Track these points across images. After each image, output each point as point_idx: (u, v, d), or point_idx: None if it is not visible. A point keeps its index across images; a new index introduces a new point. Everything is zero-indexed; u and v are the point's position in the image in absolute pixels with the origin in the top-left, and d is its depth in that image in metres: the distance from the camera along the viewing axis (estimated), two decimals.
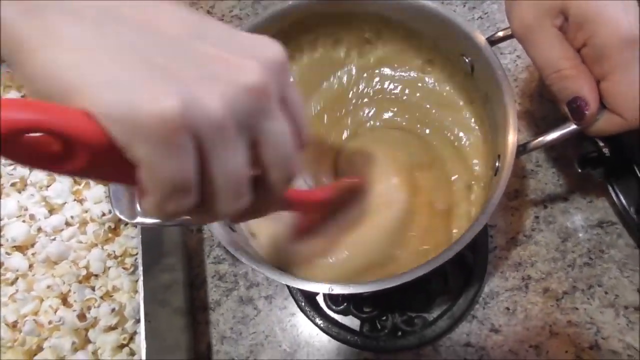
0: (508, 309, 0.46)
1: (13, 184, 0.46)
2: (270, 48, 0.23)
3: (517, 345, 0.45)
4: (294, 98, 0.24)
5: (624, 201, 0.43)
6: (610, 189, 0.44)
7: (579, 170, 0.44)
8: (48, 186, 0.46)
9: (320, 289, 0.33)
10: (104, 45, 0.20)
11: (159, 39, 0.21)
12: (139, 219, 0.36)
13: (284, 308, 0.49)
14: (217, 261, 0.51)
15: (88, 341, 0.42)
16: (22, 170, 0.46)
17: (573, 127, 0.33)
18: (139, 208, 0.36)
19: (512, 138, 0.33)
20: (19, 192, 0.46)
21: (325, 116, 0.45)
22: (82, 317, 0.41)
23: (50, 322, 0.40)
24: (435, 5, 0.37)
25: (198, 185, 0.21)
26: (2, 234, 0.44)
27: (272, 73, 0.22)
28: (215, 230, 0.36)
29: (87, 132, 0.19)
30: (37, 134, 0.18)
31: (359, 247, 0.38)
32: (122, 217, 0.36)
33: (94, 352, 0.41)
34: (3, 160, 0.47)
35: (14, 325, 0.41)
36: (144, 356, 0.38)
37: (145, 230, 0.41)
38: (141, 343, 0.38)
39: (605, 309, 0.45)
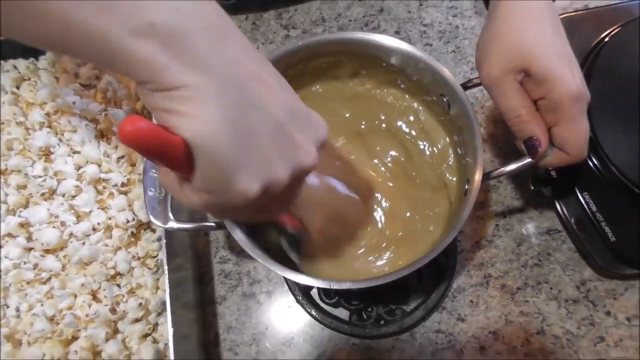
0: (472, 301, 0.55)
1: (42, 194, 0.51)
2: (323, 130, 0.32)
3: (479, 332, 0.54)
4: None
5: (566, 214, 0.52)
6: (556, 203, 0.53)
7: (532, 188, 0.53)
8: (75, 196, 0.51)
9: (323, 284, 0.40)
10: (235, 131, 0.27)
11: (270, 125, 0.28)
12: (170, 224, 0.43)
13: (282, 302, 0.56)
14: (223, 261, 0.58)
15: (117, 331, 0.48)
16: (50, 182, 0.51)
17: (528, 160, 0.42)
18: (171, 215, 0.43)
19: (479, 174, 0.42)
20: (47, 202, 0.52)
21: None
22: (113, 310, 0.47)
23: (87, 315, 0.46)
24: (426, 56, 0.45)
25: None
26: (34, 238, 0.50)
27: (319, 150, 0.31)
28: (236, 235, 0.42)
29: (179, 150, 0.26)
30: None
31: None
32: (157, 222, 0.42)
33: (123, 341, 0.48)
34: (34, 173, 0.52)
35: (51, 319, 0.47)
36: (171, 343, 0.44)
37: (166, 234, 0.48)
38: (169, 331, 0.44)
39: (550, 301, 0.54)
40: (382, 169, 0.53)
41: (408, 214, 0.50)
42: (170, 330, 0.44)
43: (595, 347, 0.52)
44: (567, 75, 0.39)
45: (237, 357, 0.54)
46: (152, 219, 0.43)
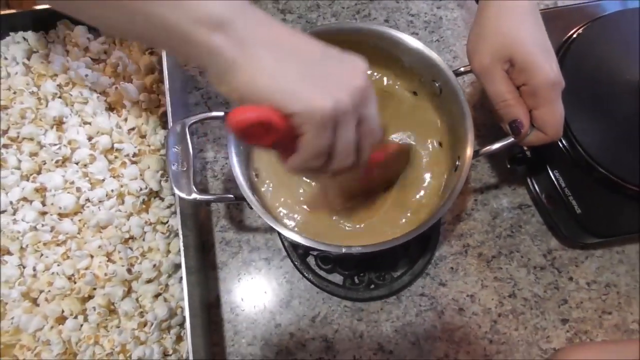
0: (452, 268, 0.61)
1: (56, 162, 0.54)
2: (361, 63, 0.37)
3: (458, 295, 0.60)
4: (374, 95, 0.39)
5: (537, 190, 0.59)
6: (529, 180, 0.60)
7: (508, 166, 0.59)
8: (89, 164, 0.54)
9: (336, 249, 0.45)
10: (284, 71, 0.34)
11: (311, 63, 0.35)
12: (194, 196, 0.46)
13: (280, 268, 0.60)
14: (224, 230, 0.61)
15: (131, 290, 0.52)
16: (64, 150, 0.54)
17: (511, 140, 0.48)
18: (194, 188, 0.47)
19: (470, 150, 0.47)
20: (61, 169, 0.54)
21: None
22: (129, 271, 0.50)
23: (105, 274, 0.49)
24: (422, 46, 0.50)
25: (328, 151, 0.36)
26: (50, 202, 0.52)
27: (367, 78, 0.36)
28: (253, 204, 0.47)
29: (280, 122, 0.33)
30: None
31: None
32: (181, 194, 0.46)
33: (137, 299, 0.51)
34: (49, 141, 0.54)
35: (69, 278, 0.50)
36: (186, 301, 0.48)
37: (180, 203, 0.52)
38: (184, 291, 0.48)
39: (521, 268, 0.61)
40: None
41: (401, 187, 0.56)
42: (185, 288, 0.48)
43: (560, 308, 0.59)
44: (545, 65, 0.44)
45: (237, 317, 0.58)
46: (177, 191, 0.46)
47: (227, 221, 0.62)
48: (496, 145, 0.49)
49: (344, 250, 0.45)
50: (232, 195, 0.48)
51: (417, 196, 0.54)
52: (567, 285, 0.60)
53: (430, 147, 0.56)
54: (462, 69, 0.51)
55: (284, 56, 0.34)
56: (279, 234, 0.60)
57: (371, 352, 0.58)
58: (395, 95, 0.57)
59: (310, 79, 0.34)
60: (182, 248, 0.50)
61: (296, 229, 0.53)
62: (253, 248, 0.61)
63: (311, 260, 0.60)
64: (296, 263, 0.59)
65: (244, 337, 0.58)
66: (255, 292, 0.59)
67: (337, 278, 0.60)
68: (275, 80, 0.34)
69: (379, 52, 0.54)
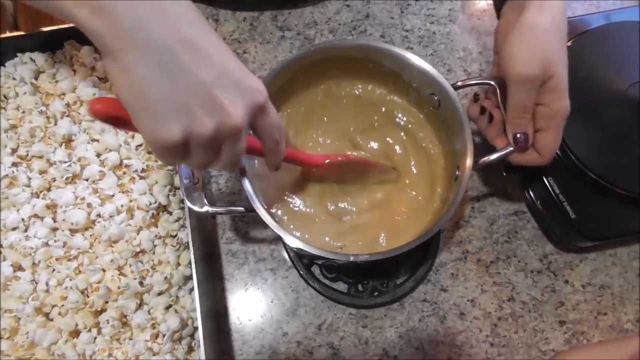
0: (453, 274, 0.63)
1: (67, 179, 0.55)
2: (256, 94, 0.37)
3: (459, 300, 0.62)
4: (267, 126, 0.40)
5: (533, 196, 0.61)
6: (524, 188, 0.62)
7: (504, 174, 0.62)
8: (99, 180, 0.56)
9: (343, 258, 0.47)
10: (151, 88, 0.33)
11: (192, 84, 0.34)
12: (205, 209, 0.48)
13: (285, 277, 0.62)
14: (230, 242, 0.63)
15: (142, 303, 0.53)
16: (74, 167, 0.55)
17: (510, 150, 0.50)
18: (205, 201, 0.48)
19: (469, 160, 0.49)
20: (71, 185, 0.55)
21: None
22: (141, 283, 0.52)
23: (118, 288, 0.51)
24: (421, 61, 0.53)
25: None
26: (61, 219, 0.54)
27: (251, 112, 0.37)
28: (263, 216, 0.48)
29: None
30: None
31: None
32: (193, 207, 0.48)
33: (149, 311, 0.52)
34: (58, 159, 0.56)
35: (82, 292, 0.51)
36: (198, 312, 0.50)
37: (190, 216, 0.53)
38: (196, 302, 0.50)
39: (518, 272, 0.63)
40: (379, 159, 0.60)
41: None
42: (197, 299, 0.50)
43: (557, 310, 0.61)
44: (567, 93, 0.47)
45: (245, 327, 0.60)
46: (189, 204, 0.48)
47: (232, 233, 0.63)
48: (494, 156, 0.51)
49: (351, 258, 0.47)
50: (242, 208, 0.50)
51: (409, 207, 0.56)
52: (563, 288, 0.62)
53: (425, 157, 0.58)
54: (459, 83, 0.53)
55: (165, 70, 0.33)
56: (284, 244, 0.62)
57: (376, 357, 0.59)
58: (394, 109, 0.60)
59: (175, 103, 0.33)
60: (193, 260, 0.51)
61: (297, 233, 0.54)
62: (259, 259, 0.62)
63: (316, 270, 0.62)
64: (301, 272, 0.60)
65: (252, 346, 0.59)
66: (262, 302, 0.61)
67: (341, 286, 0.61)
68: (135, 94, 0.33)
69: (380, 68, 0.56)
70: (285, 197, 0.55)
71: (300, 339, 0.60)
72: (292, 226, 0.54)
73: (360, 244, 0.54)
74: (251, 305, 0.61)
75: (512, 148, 0.50)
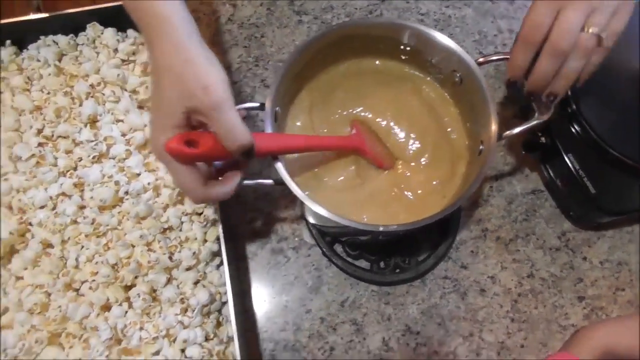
0: (472, 252, 0.63)
1: (93, 158, 0.56)
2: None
3: (479, 277, 0.62)
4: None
5: (552, 175, 0.62)
6: (543, 166, 0.63)
7: (523, 153, 0.63)
8: (125, 159, 0.56)
9: (373, 228, 0.48)
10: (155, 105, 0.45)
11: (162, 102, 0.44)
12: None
13: (308, 256, 0.63)
14: (252, 221, 0.64)
15: (171, 278, 0.53)
16: (101, 146, 0.56)
17: (534, 122, 0.51)
18: None
19: (494, 133, 0.50)
20: (97, 164, 0.56)
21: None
22: (170, 258, 0.52)
23: (148, 262, 0.51)
24: (441, 36, 0.54)
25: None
26: (89, 196, 0.54)
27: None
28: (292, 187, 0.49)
29: None
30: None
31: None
32: None
33: (178, 286, 0.53)
34: (84, 138, 0.56)
35: (113, 266, 0.52)
36: (229, 287, 0.50)
37: None
38: (226, 274, 0.50)
39: (537, 250, 0.64)
40: (402, 134, 0.60)
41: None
42: (227, 272, 0.50)
43: (575, 286, 0.62)
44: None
45: (268, 304, 0.60)
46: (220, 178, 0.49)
47: (254, 213, 0.64)
48: (518, 129, 0.52)
49: (381, 228, 0.48)
50: (271, 180, 0.50)
51: (427, 186, 0.57)
52: (582, 264, 0.63)
53: (446, 136, 0.59)
54: (481, 59, 0.54)
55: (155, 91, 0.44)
56: (307, 223, 0.62)
57: (399, 333, 0.60)
58: (414, 88, 0.60)
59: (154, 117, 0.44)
60: (222, 235, 0.52)
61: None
62: (281, 238, 0.63)
63: (338, 248, 0.62)
64: (324, 250, 0.61)
65: (276, 322, 0.60)
66: (285, 280, 0.62)
67: (363, 264, 0.62)
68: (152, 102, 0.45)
69: (401, 46, 0.57)
70: (308, 173, 0.56)
71: (324, 315, 0.60)
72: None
73: (380, 222, 0.55)
74: (274, 283, 0.61)
75: (536, 120, 0.51)
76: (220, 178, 0.48)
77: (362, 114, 0.59)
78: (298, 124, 0.58)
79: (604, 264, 0.63)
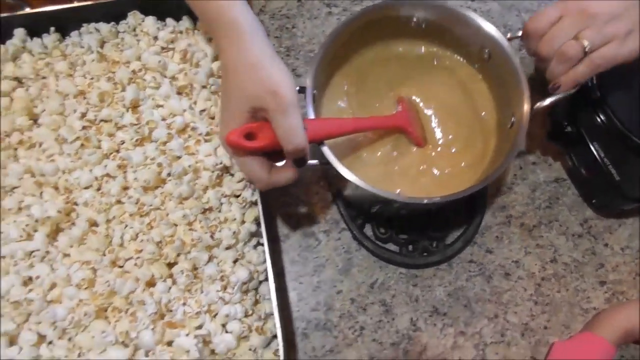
0: (497, 237, 0.66)
1: (136, 140, 0.58)
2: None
3: (504, 261, 0.65)
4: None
5: (577, 163, 0.64)
6: (567, 155, 0.65)
7: (547, 141, 0.64)
8: (167, 142, 0.58)
9: (417, 201, 0.51)
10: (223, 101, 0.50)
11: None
12: (280, 163, 0.51)
13: (338, 239, 0.65)
14: (285, 205, 0.66)
15: (212, 256, 0.56)
16: (144, 130, 0.58)
17: (562, 94, 0.54)
18: None
19: (527, 105, 0.53)
20: (140, 147, 0.58)
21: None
22: (212, 237, 0.55)
23: (192, 240, 0.54)
24: (468, 11, 0.57)
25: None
26: (134, 178, 0.56)
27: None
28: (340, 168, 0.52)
29: None
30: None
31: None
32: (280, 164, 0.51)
33: (218, 264, 0.55)
34: (127, 121, 0.59)
35: (157, 244, 0.54)
36: (269, 265, 0.52)
37: None
38: (266, 252, 0.53)
39: (560, 236, 0.66)
40: (434, 114, 0.63)
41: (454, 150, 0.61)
42: (267, 249, 0.53)
43: (597, 271, 0.64)
44: None
45: (301, 285, 0.63)
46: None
47: (287, 197, 0.66)
48: (549, 100, 0.54)
49: (425, 201, 0.50)
50: (316, 161, 0.52)
51: (462, 161, 0.60)
52: (603, 250, 0.65)
53: (477, 114, 0.61)
54: (509, 35, 0.56)
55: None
56: (338, 207, 0.64)
57: (427, 314, 0.62)
58: (444, 66, 0.63)
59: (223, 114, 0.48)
60: (262, 216, 0.54)
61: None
62: (313, 221, 0.65)
63: (368, 231, 0.64)
64: (355, 233, 0.63)
65: (308, 303, 0.62)
66: (316, 262, 0.64)
67: (392, 247, 0.64)
68: (221, 99, 0.50)
69: (429, 24, 0.60)
70: (348, 152, 0.59)
71: (354, 296, 0.62)
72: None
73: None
74: (306, 265, 0.63)
75: (563, 93, 0.54)
76: (279, 164, 0.51)
77: (390, 100, 0.62)
78: (339, 105, 0.61)
79: (624, 250, 0.65)
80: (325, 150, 0.52)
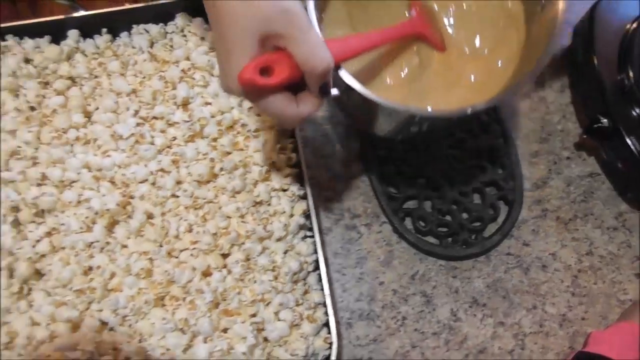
0: (534, 230, 0.67)
1: (188, 137, 0.60)
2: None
3: (540, 254, 0.66)
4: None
5: (612, 157, 0.65)
6: (602, 149, 0.67)
7: (584, 136, 0.66)
8: (217, 138, 0.61)
9: (461, 112, 0.49)
10: (222, 41, 0.42)
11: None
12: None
13: (379, 232, 0.67)
14: (327, 200, 0.68)
15: (264, 248, 0.58)
16: (196, 126, 0.60)
17: None
18: None
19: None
20: (192, 143, 0.61)
21: None
22: (265, 228, 0.57)
23: (246, 232, 0.56)
24: None
25: None
26: (188, 172, 0.59)
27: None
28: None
29: None
30: None
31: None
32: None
33: (270, 255, 0.58)
34: (179, 119, 0.61)
35: (213, 235, 0.56)
36: (321, 256, 0.55)
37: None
38: (317, 242, 0.55)
39: (595, 229, 0.67)
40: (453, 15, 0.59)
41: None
42: (318, 240, 0.55)
43: (633, 264, 0.66)
44: None
45: (344, 277, 0.65)
46: None
47: (329, 192, 0.68)
48: None
49: (469, 111, 0.48)
50: (336, 90, 0.48)
51: (495, 60, 0.56)
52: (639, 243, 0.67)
53: (499, 6, 0.57)
54: None
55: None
56: (378, 200, 0.66)
57: (467, 304, 0.64)
58: None
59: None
60: (312, 208, 0.56)
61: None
62: (354, 215, 0.67)
63: (408, 224, 0.66)
64: (396, 225, 0.65)
65: (351, 293, 0.64)
66: (358, 254, 0.66)
67: (432, 240, 0.66)
68: (218, 41, 0.43)
69: None
70: (370, 79, 0.56)
71: (396, 287, 0.65)
72: None
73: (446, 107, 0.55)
74: (348, 257, 0.66)
75: None
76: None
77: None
78: (341, 29, 0.57)
79: None
80: (344, 74, 0.47)
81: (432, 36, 0.57)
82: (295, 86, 0.44)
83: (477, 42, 0.58)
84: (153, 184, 0.59)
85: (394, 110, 0.49)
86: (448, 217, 0.66)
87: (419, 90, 0.56)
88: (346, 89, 0.48)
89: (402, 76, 0.57)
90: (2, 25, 0.62)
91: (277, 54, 0.42)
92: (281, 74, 0.41)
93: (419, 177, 0.67)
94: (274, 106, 0.43)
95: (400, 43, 0.57)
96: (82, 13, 0.65)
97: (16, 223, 0.58)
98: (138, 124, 0.61)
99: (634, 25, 0.65)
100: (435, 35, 0.57)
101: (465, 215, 0.66)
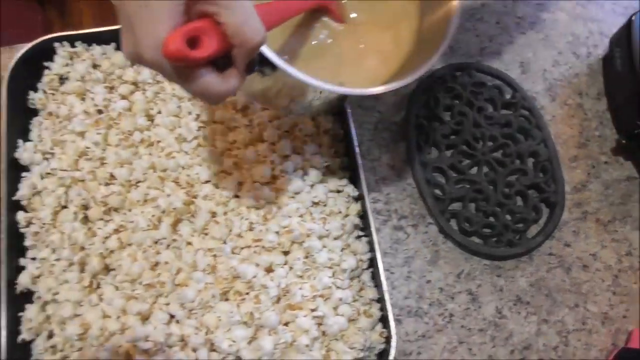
0: (574, 231, 0.70)
1: (249, 141, 0.64)
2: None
3: (581, 254, 0.69)
4: None
5: None
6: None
7: (623, 142, 0.69)
8: (275, 143, 0.64)
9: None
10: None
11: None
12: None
13: (425, 233, 0.70)
14: (374, 201, 0.71)
15: (323, 245, 0.61)
16: (256, 130, 0.64)
17: None
18: None
19: None
20: (252, 147, 0.64)
21: None
22: (322, 227, 0.60)
23: (308, 230, 0.59)
24: None
25: None
26: (249, 174, 0.62)
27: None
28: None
29: None
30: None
31: None
32: None
33: (328, 252, 0.60)
34: (239, 123, 0.64)
35: (276, 233, 0.59)
36: (378, 254, 0.58)
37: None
38: (374, 241, 0.58)
39: (634, 231, 0.70)
40: None
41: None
42: (375, 239, 0.58)
43: None
44: None
45: (393, 275, 0.68)
46: None
47: (376, 194, 0.71)
48: None
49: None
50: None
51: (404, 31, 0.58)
52: None
53: None
54: None
55: None
56: (425, 201, 0.69)
57: (511, 302, 0.67)
58: None
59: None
60: (369, 208, 0.59)
61: None
62: (401, 216, 0.70)
63: (454, 224, 0.69)
64: (442, 226, 0.68)
65: (400, 291, 0.67)
66: (406, 254, 0.69)
67: (476, 240, 0.69)
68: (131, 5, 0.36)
69: None
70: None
71: (442, 285, 0.67)
72: None
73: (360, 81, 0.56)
74: (397, 256, 0.68)
75: None
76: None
77: None
78: None
79: None
80: (265, 50, 0.44)
81: (333, 7, 0.57)
82: (214, 59, 0.38)
83: (380, 14, 0.59)
84: (216, 184, 0.62)
85: (318, 87, 0.48)
86: (492, 219, 0.69)
87: (331, 63, 0.57)
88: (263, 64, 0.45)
89: (314, 50, 0.58)
90: (73, 32, 0.66)
91: (203, 21, 0.36)
92: (210, 46, 0.36)
93: (464, 180, 0.70)
94: (200, 82, 0.38)
95: (309, 13, 0.57)
96: None
97: (85, 220, 0.61)
98: (200, 127, 0.65)
99: None
100: (336, 6, 0.57)
101: (508, 217, 0.68)
